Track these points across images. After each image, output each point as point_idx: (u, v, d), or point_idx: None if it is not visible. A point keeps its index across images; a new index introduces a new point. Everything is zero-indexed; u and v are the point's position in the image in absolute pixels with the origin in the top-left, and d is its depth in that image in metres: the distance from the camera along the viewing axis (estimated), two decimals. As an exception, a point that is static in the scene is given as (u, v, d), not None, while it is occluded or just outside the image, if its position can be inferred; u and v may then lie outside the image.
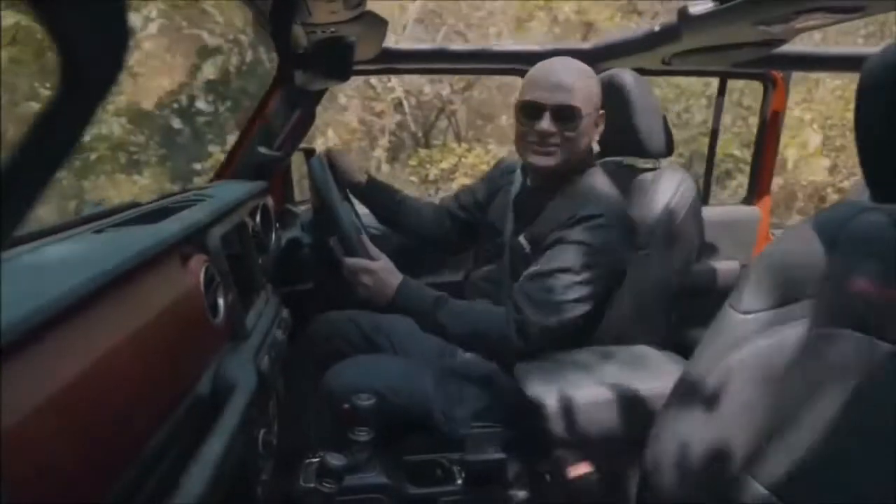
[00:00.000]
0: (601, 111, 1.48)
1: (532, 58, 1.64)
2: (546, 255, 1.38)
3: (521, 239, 1.47)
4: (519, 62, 2.08)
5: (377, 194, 1.78)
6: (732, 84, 2.49)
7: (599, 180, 1.49)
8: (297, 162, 2.16)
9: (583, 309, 1.35)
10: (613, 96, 1.56)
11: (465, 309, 1.44)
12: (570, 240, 1.36)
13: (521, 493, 1.44)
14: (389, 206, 1.79)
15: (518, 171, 1.64)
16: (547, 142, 1.42)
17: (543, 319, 1.33)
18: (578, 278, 1.33)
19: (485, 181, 1.79)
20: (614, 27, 6.11)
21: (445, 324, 1.41)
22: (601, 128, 1.49)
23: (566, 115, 1.40)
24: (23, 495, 0.52)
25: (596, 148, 1.57)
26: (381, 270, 1.43)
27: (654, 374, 1.26)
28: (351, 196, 1.74)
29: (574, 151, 1.44)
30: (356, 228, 1.49)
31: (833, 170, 6.22)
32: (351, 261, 1.44)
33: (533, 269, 1.38)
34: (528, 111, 1.42)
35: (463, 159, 6.14)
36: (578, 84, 1.41)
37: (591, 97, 1.44)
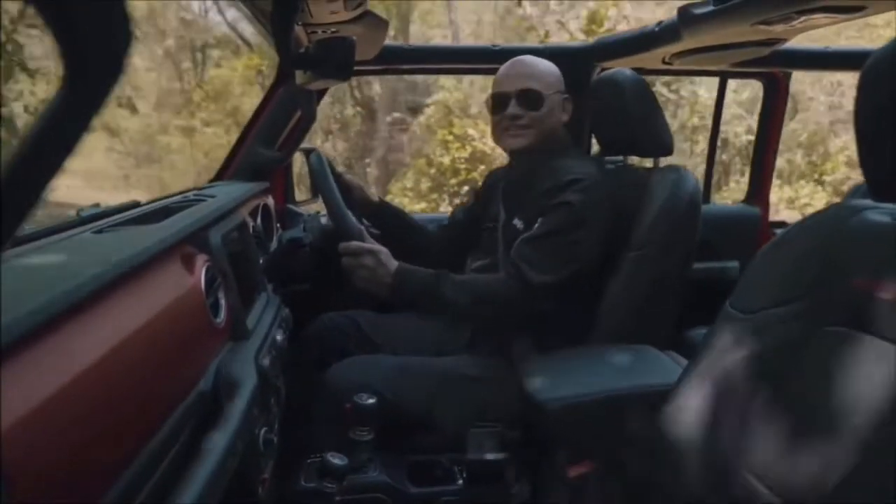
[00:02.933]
0: (565, 96, 1.60)
1: (531, 55, 1.64)
2: (538, 221, 1.45)
3: (515, 221, 1.54)
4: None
5: (387, 215, 1.87)
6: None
7: (580, 157, 1.60)
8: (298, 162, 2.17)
9: (578, 265, 1.42)
10: (613, 95, 1.56)
11: (466, 279, 1.51)
12: (556, 202, 1.44)
13: (522, 493, 1.44)
14: (399, 225, 1.88)
15: (505, 170, 1.73)
16: (516, 124, 1.56)
17: (542, 277, 1.39)
18: (570, 237, 1.42)
19: (478, 194, 1.88)
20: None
21: (448, 296, 1.44)
22: (569, 110, 1.61)
23: (529, 97, 1.55)
24: (23, 495, 0.52)
25: (595, 147, 1.58)
26: (380, 253, 1.45)
27: (654, 373, 1.26)
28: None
29: (543, 130, 1.57)
30: (357, 227, 1.49)
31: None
32: (349, 244, 1.46)
33: (526, 234, 1.45)
34: (497, 102, 1.59)
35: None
36: (536, 71, 1.58)
37: (551, 81, 1.59)
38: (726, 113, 6.75)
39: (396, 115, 8.11)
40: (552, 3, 7.51)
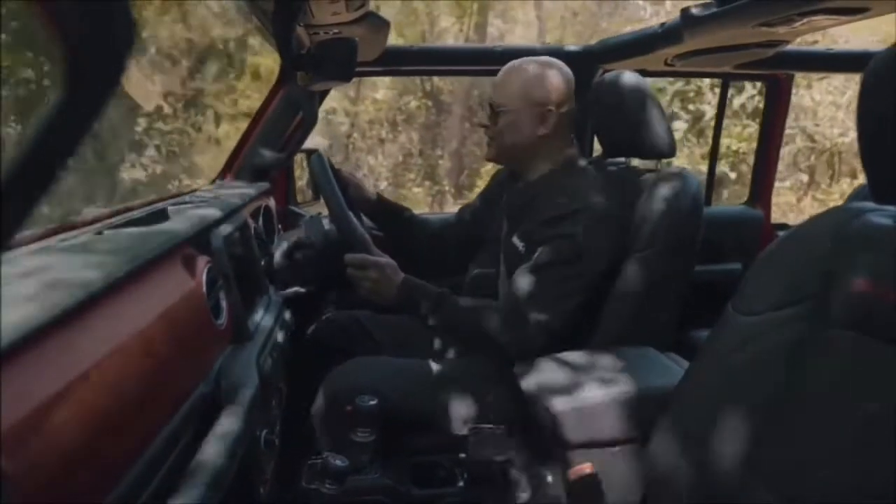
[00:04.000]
0: (549, 107, 1.47)
1: (534, 56, 1.64)
2: (538, 251, 1.40)
3: (515, 239, 1.49)
4: None
5: (386, 210, 1.84)
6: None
7: (586, 178, 1.51)
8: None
9: (576, 300, 1.39)
10: (615, 97, 1.56)
11: (468, 305, 1.47)
12: (559, 234, 1.39)
13: (523, 494, 1.43)
14: (398, 221, 1.85)
15: (510, 180, 1.68)
16: (486, 134, 1.56)
17: (540, 316, 1.36)
18: (570, 271, 1.37)
19: (484, 194, 1.84)
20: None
21: (447, 320, 1.44)
22: (551, 123, 1.48)
23: (492, 110, 1.52)
24: (23, 495, 0.52)
25: (598, 148, 1.57)
26: (386, 267, 1.45)
27: (656, 375, 1.26)
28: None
29: (503, 144, 1.52)
30: (362, 234, 1.49)
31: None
32: (355, 256, 1.45)
33: (525, 265, 1.41)
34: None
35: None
36: (507, 82, 1.51)
37: (517, 93, 1.49)
38: (822, 114, 6.73)
39: (471, 107, 7.93)
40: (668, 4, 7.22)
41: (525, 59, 1.52)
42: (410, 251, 1.84)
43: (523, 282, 1.39)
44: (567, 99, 1.50)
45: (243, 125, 1.98)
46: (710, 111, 6.22)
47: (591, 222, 1.39)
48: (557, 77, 1.49)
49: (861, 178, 2.52)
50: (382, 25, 1.60)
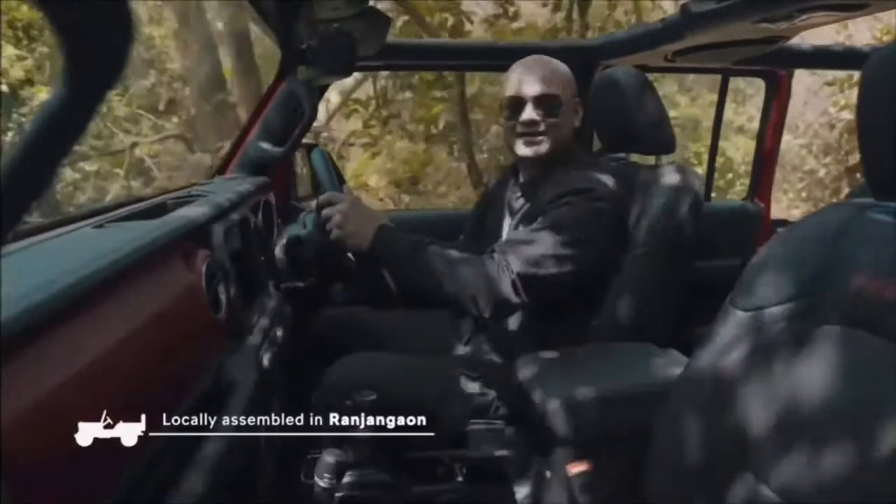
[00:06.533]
0: (577, 98, 1.54)
1: (536, 53, 1.64)
2: (537, 220, 1.40)
3: (520, 229, 1.48)
4: (522, 58, 2.07)
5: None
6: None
7: (591, 168, 1.51)
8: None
9: (565, 269, 1.34)
10: (615, 93, 1.56)
11: (448, 253, 1.40)
12: (560, 205, 1.38)
13: (522, 491, 1.44)
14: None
15: (511, 178, 1.66)
16: (533, 130, 1.48)
17: (523, 268, 1.32)
18: (565, 238, 1.35)
19: (482, 202, 1.83)
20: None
21: (426, 264, 1.36)
22: (580, 114, 1.55)
23: (548, 103, 1.47)
24: (23, 494, 0.52)
25: (597, 143, 1.57)
26: (361, 205, 1.40)
27: (655, 371, 1.26)
28: None
29: (559, 137, 1.49)
30: None
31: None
32: (329, 194, 1.41)
33: (522, 229, 1.41)
34: (512, 106, 1.49)
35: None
36: (553, 75, 1.49)
37: (568, 84, 1.51)
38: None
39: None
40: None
41: (538, 55, 1.55)
42: None
43: (516, 238, 1.39)
44: None
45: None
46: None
47: (594, 201, 1.39)
48: None
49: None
50: (382, 20, 1.60)
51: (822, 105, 6.74)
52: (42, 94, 5.50)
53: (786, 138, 7.58)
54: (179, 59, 6.53)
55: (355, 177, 6.90)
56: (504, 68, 1.57)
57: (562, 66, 1.53)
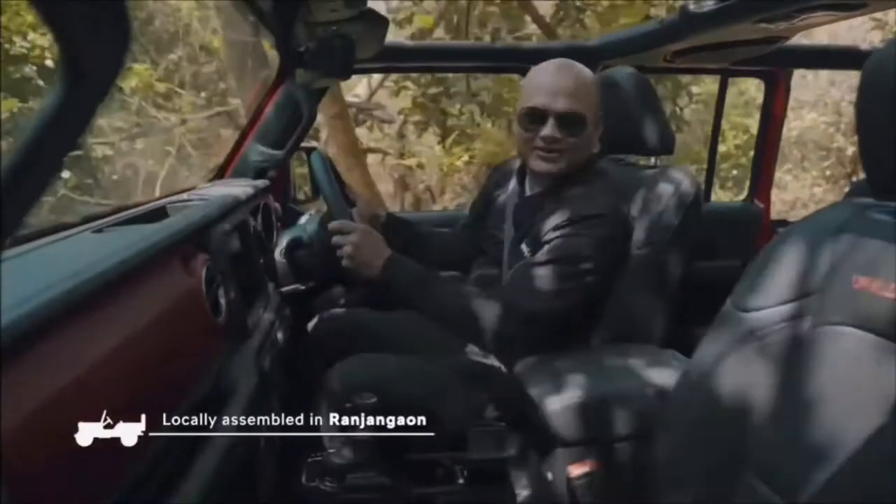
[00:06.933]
0: (600, 112, 1.47)
1: (535, 55, 1.64)
2: (543, 248, 1.37)
3: (523, 247, 1.46)
4: (521, 60, 2.07)
5: (396, 229, 1.78)
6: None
7: (601, 184, 1.47)
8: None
9: (573, 300, 1.34)
10: (614, 94, 1.56)
11: (458, 286, 1.43)
12: (568, 234, 1.35)
13: (523, 493, 1.43)
14: (409, 238, 1.79)
15: (514, 178, 1.62)
16: (552, 148, 1.40)
17: (532, 304, 1.32)
18: (572, 269, 1.33)
19: (482, 194, 1.80)
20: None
21: (436, 297, 1.38)
22: (601, 129, 1.48)
23: (572, 121, 1.39)
24: (23, 495, 0.52)
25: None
26: (372, 234, 1.40)
27: (655, 372, 1.26)
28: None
29: (578, 157, 1.43)
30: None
31: None
32: (342, 221, 1.41)
33: (528, 259, 1.38)
34: (533, 117, 1.40)
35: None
36: (582, 89, 1.40)
37: (594, 101, 1.43)
38: None
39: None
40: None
41: (566, 61, 1.44)
42: (425, 263, 1.82)
43: (523, 272, 1.36)
44: None
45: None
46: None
47: (603, 228, 1.35)
48: None
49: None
50: (381, 23, 1.60)
51: (849, 82, 6.67)
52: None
53: (810, 116, 7.53)
54: (217, 32, 6.20)
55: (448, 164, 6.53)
56: (504, 70, 1.57)
57: (587, 76, 1.43)
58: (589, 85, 1.43)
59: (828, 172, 7.23)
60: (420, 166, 6.97)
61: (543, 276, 1.33)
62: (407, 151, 6.99)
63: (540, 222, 1.44)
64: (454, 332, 1.46)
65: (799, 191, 7.34)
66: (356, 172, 5.77)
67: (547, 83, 1.40)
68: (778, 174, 7.25)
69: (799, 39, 2.21)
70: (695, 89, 5.56)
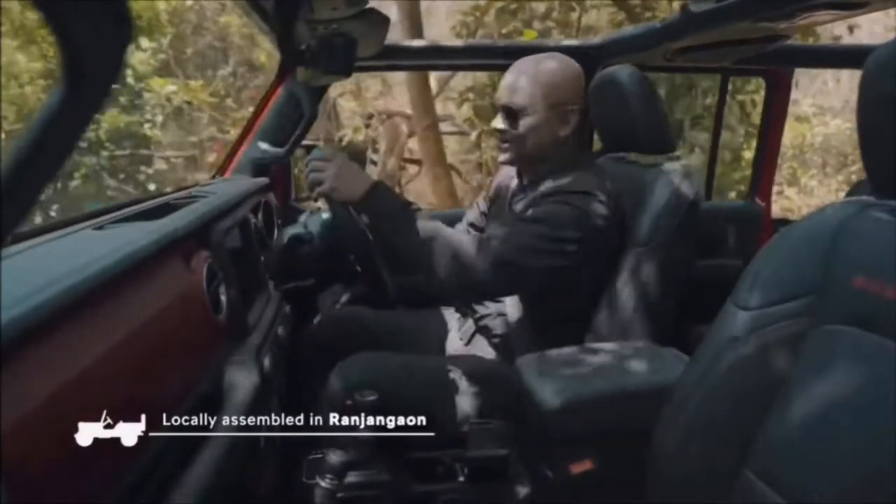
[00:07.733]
0: (572, 107, 1.47)
1: (534, 53, 1.63)
2: (527, 213, 1.39)
3: None
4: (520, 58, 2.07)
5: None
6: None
7: (589, 171, 1.49)
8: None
9: (547, 262, 1.34)
10: (614, 93, 1.56)
11: (436, 224, 1.41)
12: (550, 202, 1.37)
13: (523, 490, 1.44)
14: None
15: (515, 177, 1.65)
16: (503, 139, 1.50)
17: (505, 253, 1.32)
18: (550, 233, 1.34)
19: (488, 190, 1.81)
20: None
21: (415, 231, 1.36)
22: (573, 123, 1.48)
23: (510, 113, 1.46)
24: (23, 495, 0.52)
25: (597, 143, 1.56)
26: (353, 165, 1.39)
27: (656, 370, 1.26)
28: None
29: (524, 147, 1.48)
30: (361, 226, 1.49)
31: None
32: (322, 154, 1.41)
33: (511, 220, 1.40)
34: (496, 111, 1.51)
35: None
36: (524, 83, 1.45)
37: (541, 95, 1.45)
38: None
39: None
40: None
41: (536, 56, 1.49)
42: None
43: (503, 224, 1.38)
44: (583, 96, 1.50)
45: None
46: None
47: (586, 202, 1.37)
48: (574, 73, 1.48)
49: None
50: (382, 21, 1.59)
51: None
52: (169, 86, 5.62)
53: (835, 122, 7.49)
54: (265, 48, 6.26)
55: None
56: (504, 68, 1.57)
57: (543, 72, 1.46)
58: (538, 79, 1.45)
59: (853, 178, 7.23)
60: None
61: (521, 231, 1.35)
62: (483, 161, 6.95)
63: (531, 204, 1.46)
64: (424, 263, 1.39)
65: (825, 196, 7.33)
66: (443, 183, 5.83)
67: (504, 78, 1.50)
68: (803, 179, 7.26)
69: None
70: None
